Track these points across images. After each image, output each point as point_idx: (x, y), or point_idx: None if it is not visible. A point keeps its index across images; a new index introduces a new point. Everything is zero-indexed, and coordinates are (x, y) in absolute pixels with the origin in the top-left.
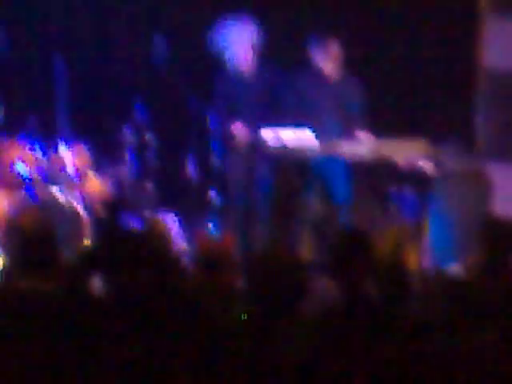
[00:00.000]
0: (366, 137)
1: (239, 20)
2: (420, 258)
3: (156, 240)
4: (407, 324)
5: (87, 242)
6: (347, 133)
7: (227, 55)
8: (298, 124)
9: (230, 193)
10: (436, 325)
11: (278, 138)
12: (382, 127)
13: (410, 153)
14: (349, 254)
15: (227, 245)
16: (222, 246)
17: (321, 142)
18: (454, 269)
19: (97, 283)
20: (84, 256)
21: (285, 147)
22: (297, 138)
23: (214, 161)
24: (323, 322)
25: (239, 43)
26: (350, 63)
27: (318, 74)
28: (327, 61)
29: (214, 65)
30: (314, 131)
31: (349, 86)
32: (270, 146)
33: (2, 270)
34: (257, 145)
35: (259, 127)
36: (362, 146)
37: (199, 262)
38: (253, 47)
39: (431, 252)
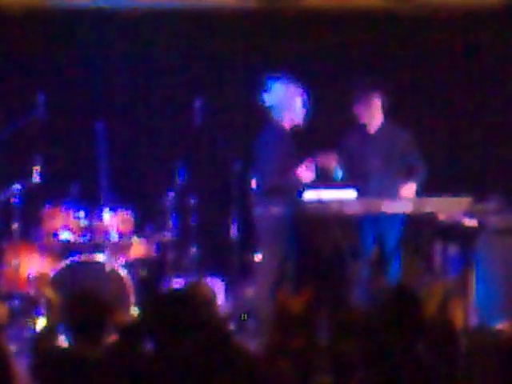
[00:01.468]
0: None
1: (291, 80)
2: (466, 316)
3: (201, 303)
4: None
5: (132, 307)
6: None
7: (278, 114)
8: (346, 185)
9: (268, 252)
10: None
11: (319, 197)
12: (426, 184)
13: (454, 209)
14: (399, 311)
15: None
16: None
17: (364, 200)
18: (501, 326)
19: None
20: (132, 323)
21: (325, 202)
22: (338, 196)
23: (257, 223)
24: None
25: (293, 102)
26: (395, 118)
27: (363, 131)
28: (371, 116)
29: (255, 125)
30: (358, 189)
31: (397, 137)
32: (310, 201)
33: (45, 330)
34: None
35: (300, 187)
36: (407, 203)
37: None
38: (304, 107)
39: (477, 309)
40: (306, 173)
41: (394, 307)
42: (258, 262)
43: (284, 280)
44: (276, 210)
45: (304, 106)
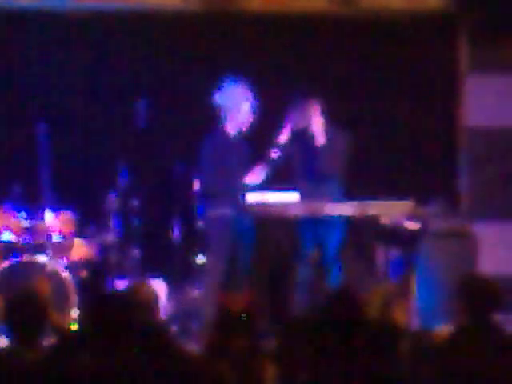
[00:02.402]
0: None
1: (240, 82)
2: (408, 318)
3: (143, 305)
4: None
5: (74, 309)
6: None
7: (225, 115)
8: (287, 188)
9: (213, 254)
10: None
11: (263, 199)
12: (368, 187)
13: (396, 212)
14: (340, 314)
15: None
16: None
17: (306, 203)
18: (442, 329)
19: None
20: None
21: (268, 204)
22: (281, 199)
23: (199, 224)
24: None
25: (241, 104)
26: (335, 122)
27: (302, 136)
28: (311, 121)
29: (200, 127)
30: (300, 192)
31: (336, 140)
32: (253, 204)
33: None
34: (242, 205)
35: (243, 190)
36: (349, 206)
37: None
38: (252, 110)
39: (419, 312)
40: (253, 176)
41: (335, 310)
42: (202, 264)
43: (228, 281)
44: (220, 211)
45: (252, 110)
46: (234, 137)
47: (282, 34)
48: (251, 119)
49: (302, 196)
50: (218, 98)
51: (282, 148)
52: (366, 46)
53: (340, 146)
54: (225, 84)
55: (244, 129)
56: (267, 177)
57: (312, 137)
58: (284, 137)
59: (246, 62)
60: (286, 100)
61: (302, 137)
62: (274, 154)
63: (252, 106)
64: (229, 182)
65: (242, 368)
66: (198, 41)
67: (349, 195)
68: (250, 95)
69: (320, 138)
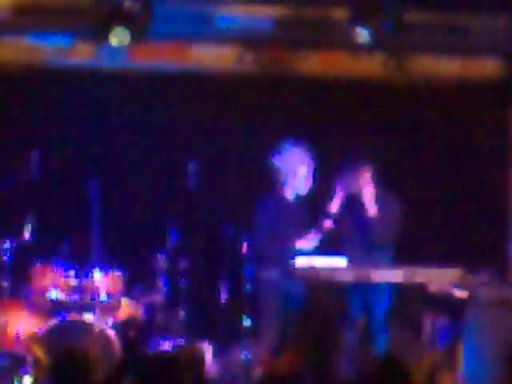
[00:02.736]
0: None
1: (299, 146)
2: None
3: (189, 365)
4: None
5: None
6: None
7: (283, 179)
8: (336, 253)
9: (265, 317)
10: None
11: (312, 263)
12: (416, 254)
13: (444, 280)
14: (386, 381)
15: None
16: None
17: (355, 269)
18: None
19: None
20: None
21: (316, 269)
22: (330, 264)
23: (247, 287)
24: None
25: (300, 168)
26: (387, 188)
27: (353, 203)
28: (363, 189)
29: (251, 190)
30: (350, 258)
31: (388, 208)
32: (302, 268)
33: None
34: (291, 268)
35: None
36: (397, 272)
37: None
38: (310, 174)
39: (465, 382)
40: (305, 242)
41: (381, 378)
42: (249, 327)
43: (279, 345)
44: (270, 275)
45: (310, 174)
46: (292, 201)
47: (336, 98)
48: (310, 183)
49: (351, 262)
50: (277, 161)
51: (334, 217)
52: (418, 111)
53: (392, 215)
54: (284, 147)
55: (302, 193)
56: (320, 243)
57: (363, 205)
58: (335, 205)
59: (299, 126)
60: (338, 166)
61: (353, 204)
62: (327, 224)
63: (310, 171)
64: (282, 246)
65: None
66: (252, 102)
67: (397, 261)
68: (308, 159)
69: (371, 209)
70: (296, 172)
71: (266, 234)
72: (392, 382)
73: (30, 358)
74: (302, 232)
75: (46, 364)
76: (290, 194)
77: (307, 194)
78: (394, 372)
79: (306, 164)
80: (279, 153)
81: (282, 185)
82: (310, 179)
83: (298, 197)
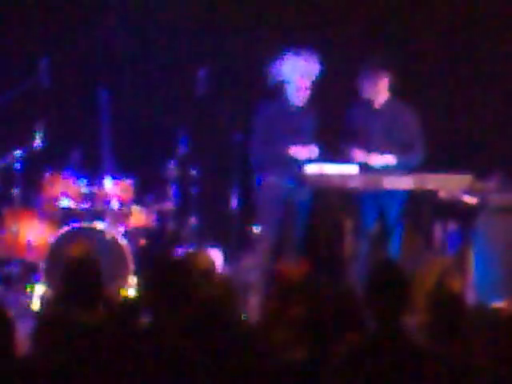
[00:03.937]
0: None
1: (305, 53)
2: (464, 293)
3: (200, 271)
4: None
5: (131, 276)
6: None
7: (287, 87)
8: (346, 159)
9: (264, 223)
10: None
11: (321, 170)
12: (426, 161)
13: (455, 187)
14: (383, 287)
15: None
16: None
17: (366, 175)
18: (500, 305)
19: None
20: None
21: (327, 175)
22: (341, 171)
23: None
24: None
25: (305, 75)
26: (397, 95)
27: (367, 105)
28: (377, 93)
29: (260, 98)
30: (359, 165)
31: (401, 114)
32: (311, 175)
33: (43, 298)
34: (300, 175)
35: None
36: (408, 179)
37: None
38: (314, 81)
39: (476, 287)
40: (301, 151)
41: (379, 280)
42: (257, 233)
43: (283, 251)
44: (274, 181)
45: (312, 83)
46: (293, 109)
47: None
48: (306, 95)
49: (362, 168)
50: (279, 70)
51: (347, 118)
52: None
53: (406, 119)
54: (286, 56)
55: (298, 104)
56: (321, 152)
57: (377, 110)
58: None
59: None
60: (356, 71)
61: (367, 109)
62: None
63: (307, 82)
64: (277, 152)
65: (300, 335)
66: (262, 9)
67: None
68: (311, 68)
69: (384, 110)
70: (298, 80)
71: (260, 138)
72: (391, 290)
73: (41, 266)
74: (304, 140)
75: (59, 273)
76: (291, 102)
77: (311, 102)
78: (390, 274)
79: (300, 75)
80: (281, 62)
81: (283, 93)
82: (307, 91)
83: (298, 105)
